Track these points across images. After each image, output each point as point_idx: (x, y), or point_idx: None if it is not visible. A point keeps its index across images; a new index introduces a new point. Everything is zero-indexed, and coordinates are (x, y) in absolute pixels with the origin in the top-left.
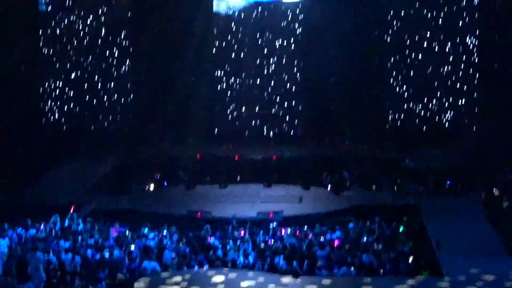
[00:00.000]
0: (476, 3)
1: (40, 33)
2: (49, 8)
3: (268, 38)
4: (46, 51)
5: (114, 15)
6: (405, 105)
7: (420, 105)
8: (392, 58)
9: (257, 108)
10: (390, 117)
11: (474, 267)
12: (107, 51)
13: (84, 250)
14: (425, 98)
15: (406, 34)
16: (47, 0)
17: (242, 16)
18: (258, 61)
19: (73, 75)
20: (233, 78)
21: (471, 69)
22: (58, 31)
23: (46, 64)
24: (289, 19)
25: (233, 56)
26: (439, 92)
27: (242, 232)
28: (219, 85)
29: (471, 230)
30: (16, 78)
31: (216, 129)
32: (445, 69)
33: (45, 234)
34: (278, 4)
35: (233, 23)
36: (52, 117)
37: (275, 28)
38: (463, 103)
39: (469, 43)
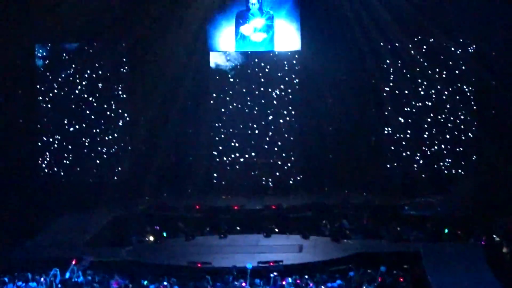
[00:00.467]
0: (472, 50)
1: (38, 87)
2: (46, 62)
3: (265, 88)
4: (43, 104)
5: (111, 69)
6: (403, 153)
7: (419, 153)
8: (390, 106)
9: (255, 157)
10: (388, 165)
11: None
12: (104, 105)
13: None
14: (424, 146)
15: (404, 82)
16: (44, 54)
17: (238, 66)
18: (255, 111)
19: (71, 129)
20: (230, 128)
21: (468, 117)
22: (55, 85)
23: (43, 118)
24: (285, 69)
25: (230, 107)
26: (436, 140)
27: (243, 283)
28: (216, 136)
29: (471, 276)
30: (14, 132)
31: (214, 180)
32: (443, 117)
33: (45, 287)
34: (272, 54)
35: (229, 74)
36: (50, 171)
37: (271, 78)
38: (461, 150)
39: (466, 90)
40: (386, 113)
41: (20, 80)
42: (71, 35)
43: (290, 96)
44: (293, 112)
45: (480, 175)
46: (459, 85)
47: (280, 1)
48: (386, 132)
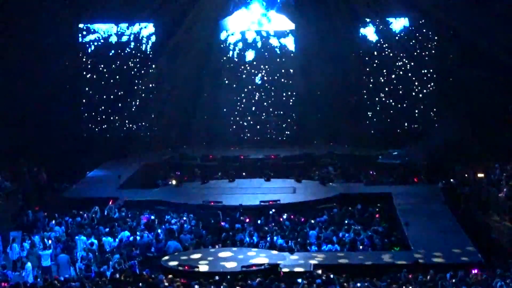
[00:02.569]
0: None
1: (82, 58)
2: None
3: (267, 60)
4: (86, 73)
5: (140, 47)
6: (379, 112)
7: (391, 112)
8: (370, 76)
9: (258, 116)
10: (366, 122)
11: (435, 241)
12: (137, 73)
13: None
14: (396, 108)
15: (383, 57)
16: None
17: (246, 41)
18: (259, 80)
19: (112, 95)
20: (239, 92)
21: (431, 85)
22: (95, 58)
23: (86, 84)
24: (283, 44)
25: (239, 75)
26: (406, 103)
27: (247, 219)
28: (227, 99)
29: (432, 210)
30: (62, 96)
31: (225, 134)
32: (413, 87)
33: (88, 221)
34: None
35: (237, 48)
36: (93, 126)
37: (272, 52)
38: (426, 112)
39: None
40: (365, 79)
41: (66, 53)
42: (108, 17)
43: (286, 67)
44: (289, 81)
45: (441, 132)
46: (426, 59)
47: None
48: (364, 95)
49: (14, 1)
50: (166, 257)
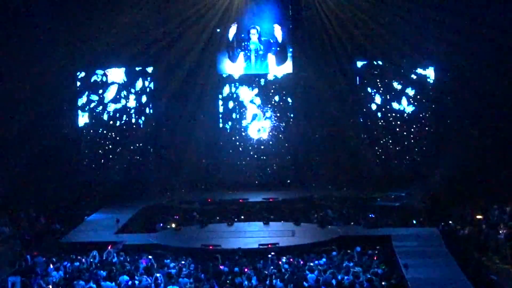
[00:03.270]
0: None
1: (78, 105)
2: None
3: (264, 104)
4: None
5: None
6: (376, 156)
7: (389, 156)
8: (366, 119)
9: (256, 160)
10: (365, 166)
11: (434, 283)
12: (132, 119)
13: (118, 278)
14: (393, 151)
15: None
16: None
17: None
18: (257, 122)
19: (107, 141)
20: (237, 136)
21: (426, 128)
22: (92, 104)
23: (83, 130)
24: (279, 88)
25: (236, 117)
26: (400, 147)
27: (246, 269)
28: (224, 143)
29: (431, 253)
30: (60, 142)
31: (223, 178)
32: (409, 129)
33: (86, 266)
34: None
35: (235, 89)
36: (89, 173)
37: (269, 95)
38: (422, 157)
39: (428, 107)
40: (363, 123)
41: (64, 99)
42: (102, 62)
43: (284, 110)
44: (287, 123)
45: (438, 175)
46: (423, 101)
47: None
48: (363, 139)
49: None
50: None
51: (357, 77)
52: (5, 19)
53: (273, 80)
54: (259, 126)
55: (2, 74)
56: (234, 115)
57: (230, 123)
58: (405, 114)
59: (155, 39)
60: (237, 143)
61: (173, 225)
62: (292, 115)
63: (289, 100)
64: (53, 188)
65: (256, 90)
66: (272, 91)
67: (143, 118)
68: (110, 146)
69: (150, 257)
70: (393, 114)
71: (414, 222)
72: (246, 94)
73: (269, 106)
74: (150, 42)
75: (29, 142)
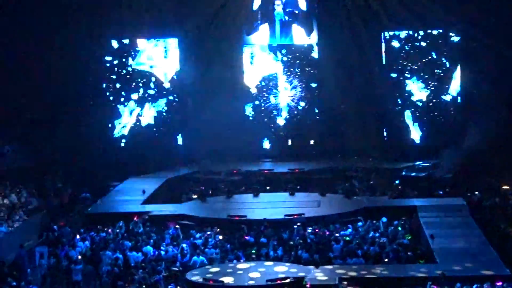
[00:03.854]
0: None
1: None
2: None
3: (291, 74)
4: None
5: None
6: (403, 127)
7: (415, 127)
8: (395, 88)
9: (283, 131)
10: (390, 136)
11: (460, 254)
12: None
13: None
14: (419, 122)
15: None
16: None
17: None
18: (285, 94)
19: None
20: (264, 109)
21: (457, 97)
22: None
23: (113, 101)
24: (305, 59)
25: (264, 91)
26: (426, 118)
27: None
28: (252, 116)
29: (458, 223)
30: (93, 113)
31: (250, 150)
32: (434, 100)
33: (113, 236)
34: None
35: (261, 62)
36: (121, 144)
37: (295, 66)
38: (449, 126)
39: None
40: (388, 96)
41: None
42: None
43: (310, 81)
44: (314, 94)
45: (466, 144)
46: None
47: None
48: (388, 110)
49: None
50: (191, 272)
51: (384, 48)
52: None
53: (299, 50)
54: (285, 96)
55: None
56: (260, 85)
57: (256, 94)
58: (432, 84)
59: (179, 11)
60: (263, 114)
61: (199, 196)
62: (318, 86)
63: (315, 70)
64: (79, 159)
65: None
66: (298, 61)
67: (169, 87)
68: (137, 117)
69: (177, 226)
70: (420, 85)
71: (440, 192)
72: (272, 64)
73: (295, 76)
74: (174, 14)
75: (58, 115)
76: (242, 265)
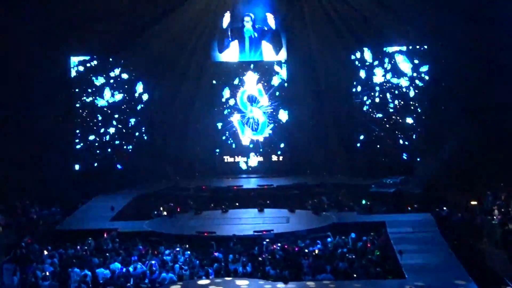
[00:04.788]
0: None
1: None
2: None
3: (262, 92)
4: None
5: (132, 80)
6: (370, 143)
7: (383, 143)
8: (360, 105)
9: (250, 150)
10: (359, 153)
11: (429, 269)
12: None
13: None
14: (387, 139)
15: (371, 92)
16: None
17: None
18: (250, 111)
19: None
20: (231, 124)
21: (422, 117)
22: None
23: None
24: (273, 76)
25: (231, 107)
26: (399, 134)
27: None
28: (219, 131)
29: (426, 239)
30: (55, 131)
31: (218, 167)
32: (404, 117)
33: (81, 253)
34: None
35: (230, 82)
36: (86, 162)
37: (264, 82)
38: (417, 143)
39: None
40: (355, 111)
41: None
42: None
43: (278, 97)
44: (282, 110)
45: (433, 161)
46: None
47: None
48: (355, 126)
49: None
50: None
51: (353, 64)
52: None
53: (267, 67)
54: (254, 114)
55: None
56: (230, 103)
57: (226, 111)
58: (400, 103)
59: (145, 27)
60: (231, 130)
61: (167, 213)
62: (286, 103)
63: (284, 87)
64: (48, 176)
65: (251, 77)
66: (266, 78)
67: (138, 107)
68: (105, 135)
69: (144, 244)
70: (389, 102)
71: (409, 208)
72: (244, 82)
73: (264, 93)
74: (139, 31)
75: (23, 130)
76: (211, 282)
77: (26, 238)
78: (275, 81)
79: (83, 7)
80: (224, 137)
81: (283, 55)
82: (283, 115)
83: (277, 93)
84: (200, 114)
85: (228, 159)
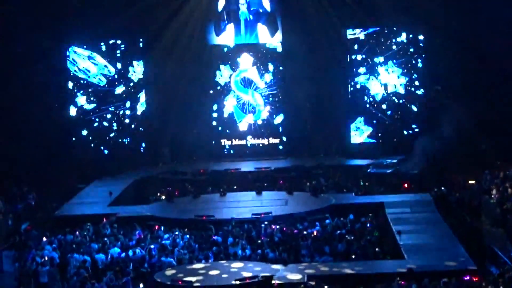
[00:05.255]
0: None
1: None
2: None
3: (259, 75)
4: (75, 91)
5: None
6: (368, 123)
7: (381, 123)
8: (355, 91)
9: (248, 134)
10: (356, 133)
11: (427, 249)
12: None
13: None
14: (385, 119)
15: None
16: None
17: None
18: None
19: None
20: (227, 108)
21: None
22: (85, 81)
23: (77, 108)
24: (270, 58)
25: (230, 92)
26: (398, 114)
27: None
28: (217, 115)
29: (424, 220)
30: (52, 120)
31: (216, 149)
32: (401, 97)
33: (80, 239)
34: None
35: (226, 66)
36: (86, 146)
37: (260, 65)
38: (417, 121)
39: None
40: (350, 95)
41: (55, 78)
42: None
43: (274, 79)
44: (279, 95)
45: (431, 141)
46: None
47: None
48: (353, 107)
49: None
50: (160, 273)
51: (347, 46)
52: None
53: (264, 49)
54: (250, 97)
55: None
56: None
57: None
58: (398, 83)
59: (142, 13)
60: (227, 113)
61: (165, 197)
62: (283, 84)
63: (281, 69)
64: (45, 162)
65: (247, 60)
66: (263, 60)
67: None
68: (102, 119)
69: (143, 228)
70: (385, 83)
71: (406, 187)
72: (239, 63)
73: (261, 75)
74: (136, 16)
75: (21, 118)
76: (210, 266)
77: (25, 225)
78: (271, 66)
79: None
80: (220, 122)
81: (278, 37)
82: (280, 98)
83: (273, 77)
84: (196, 97)
85: (225, 142)
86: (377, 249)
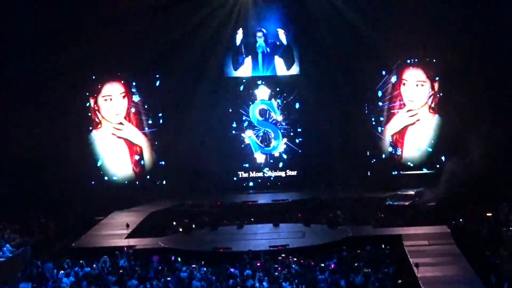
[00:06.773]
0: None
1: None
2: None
3: (273, 108)
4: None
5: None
6: (383, 157)
7: (396, 156)
8: (373, 120)
9: (265, 166)
10: (373, 166)
11: (445, 282)
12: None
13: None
14: (400, 151)
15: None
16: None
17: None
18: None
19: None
20: (245, 140)
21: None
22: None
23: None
24: (287, 90)
25: (246, 121)
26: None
27: (258, 263)
28: (235, 148)
29: (442, 252)
30: (72, 153)
31: (233, 182)
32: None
33: (97, 271)
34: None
35: (244, 98)
36: (102, 181)
37: (277, 97)
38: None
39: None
40: (369, 127)
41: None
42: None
43: (291, 111)
44: (295, 125)
45: (449, 173)
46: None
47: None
48: (369, 141)
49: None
50: None
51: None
52: None
53: (281, 82)
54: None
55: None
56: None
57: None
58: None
59: (159, 47)
60: (243, 146)
61: (183, 229)
62: (300, 117)
63: (297, 102)
64: (61, 194)
65: (264, 92)
66: (280, 93)
67: (150, 121)
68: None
69: (160, 261)
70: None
71: (424, 221)
72: (256, 96)
73: (278, 108)
74: (154, 50)
75: (38, 147)
76: None
77: (43, 256)
78: (288, 97)
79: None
80: (238, 153)
81: (294, 70)
82: (297, 130)
83: (290, 109)
84: (214, 130)
85: (242, 174)
86: (394, 282)
